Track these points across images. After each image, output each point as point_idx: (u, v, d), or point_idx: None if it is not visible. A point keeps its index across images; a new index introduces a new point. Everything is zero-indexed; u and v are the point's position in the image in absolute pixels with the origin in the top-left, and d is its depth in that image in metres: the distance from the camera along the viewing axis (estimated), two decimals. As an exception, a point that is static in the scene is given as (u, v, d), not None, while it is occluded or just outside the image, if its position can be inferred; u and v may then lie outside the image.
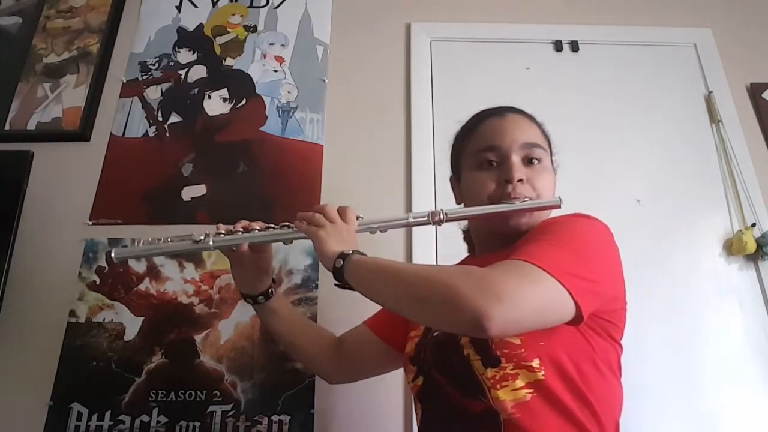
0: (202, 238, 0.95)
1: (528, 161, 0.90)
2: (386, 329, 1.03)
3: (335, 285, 0.85)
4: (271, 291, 1.06)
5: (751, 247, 1.37)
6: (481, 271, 0.71)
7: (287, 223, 0.96)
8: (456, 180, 1.01)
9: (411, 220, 0.94)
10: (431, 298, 0.72)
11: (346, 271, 0.82)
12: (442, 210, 0.91)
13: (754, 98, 1.60)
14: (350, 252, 0.83)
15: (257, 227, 0.97)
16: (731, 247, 1.40)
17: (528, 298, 0.68)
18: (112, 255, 0.96)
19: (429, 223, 0.92)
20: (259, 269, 1.03)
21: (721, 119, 1.54)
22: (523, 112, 0.96)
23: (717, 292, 1.38)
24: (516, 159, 0.88)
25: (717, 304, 1.36)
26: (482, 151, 0.91)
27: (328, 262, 0.85)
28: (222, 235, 0.96)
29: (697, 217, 1.45)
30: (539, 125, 0.96)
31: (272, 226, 0.97)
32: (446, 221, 0.91)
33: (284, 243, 0.97)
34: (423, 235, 1.38)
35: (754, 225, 1.40)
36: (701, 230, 1.44)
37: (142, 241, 0.98)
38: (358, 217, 0.94)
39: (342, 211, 0.93)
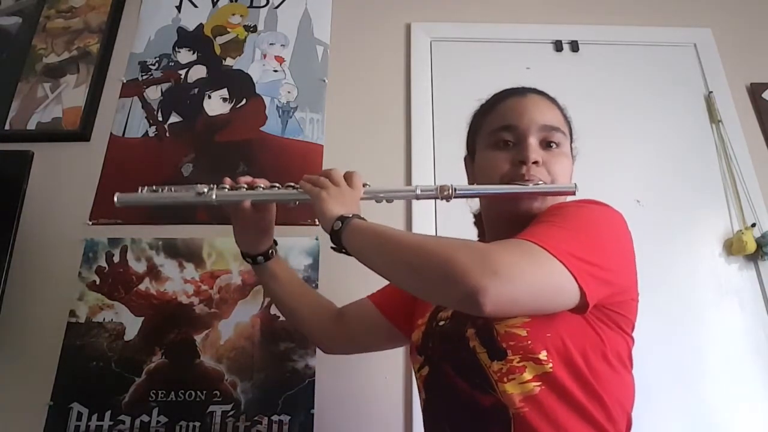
0: (205, 191, 0.93)
1: (546, 144, 0.86)
2: (390, 306, 1.01)
3: (331, 248, 0.83)
4: (272, 252, 1.04)
5: (751, 247, 1.37)
6: (480, 245, 0.69)
7: (292, 184, 0.94)
8: (470, 159, 0.97)
9: (419, 192, 0.91)
10: (427, 269, 0.69)
11: (344, 235, 0.80)
12: (451, 185, 0.89)
13: (754, 98, 1.60)
14: (350, 216, 0.82)
15: (261, 185, 0.95)
16: (731, 247, 1.40)
17: (526, 276, 0.66)
18: (116, 199, 0.95)
19: (437, 197, 0.89)
20: (260, 228, 1.01)
21: (721, 119, 1.54)
22: (545, 93, 0.93)
23: (717, 292, 1.38)
24: (533, 140, 0.85)
25: (717, 304, 1.37)
26: (499, 131, 0.87)
27: (326, 223, 0.84)
28: (225, 190, 0.95)
29: (697, 217, 1.45)
30: (561, 109, 0.93)
31: (276, 185, 0.96)
32: (455, 197, 0.88)
33: (288, 205, 0.95)
34: (422, 213, 1.38)
35: (754, 225, 1.40)
36: (701, 230, 1.44)
37: (145, 188, 0.96)
38: (365, 185, 0.93)
39: (348, 176, 0.92)
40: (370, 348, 1.12)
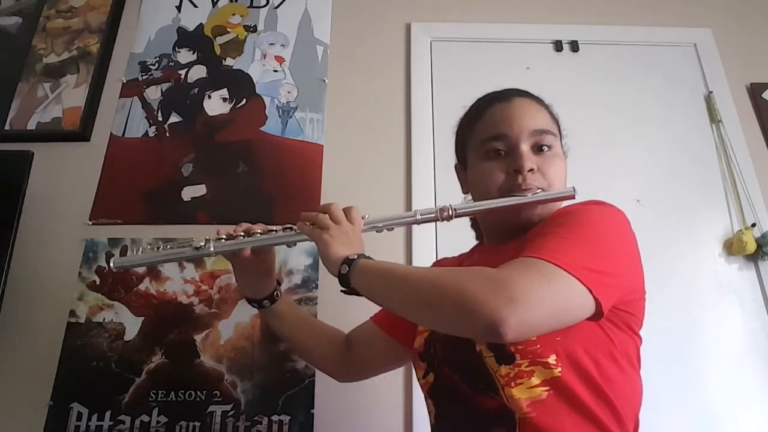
0: (203, 244, 0.92)
1: (538, 148, 0.85)
2: (393, 325, 1.01)
3: (342, 291, 0.82)
4: (277, 294, 1.04)
5: (751, 247, 1.37)
6: (493, 273, 0.67)
7: (290, 225, 0.93)
8: (462, 168, 0.97)
9: (419, 217, 0.90)
10: (442, 304, 0.68)
11: (353, 277, 0.79)
12: (450, 206, 0.88)
13: (754, 98, 1.60)
14: (356, 257, 0.80)
15: (259, 230, 0.94)
16: (731, 247, 1.40)
17: (545, 299, 0.65)
18: (112, 264, 0.95)
19: (437, 220, 0.89)
20: (262, 273, 1.01)
21: (721, 119, 1.54)
22: (530, 94, 0.92)
23: (717, 292, 1.38)
24: (525, 147, 0.84)
25: (717, 304, 1.37)
26: (489, 140, 0.86)
27: (333, 267, 0.82)
28: (223, 240, 0.94)
29: (697, 217, 1.45)
30: (547, 107, 0.92)
31: (274, 228, 0.94)
32: (455, 217, 0.88)
33: (287, 246, 0.95)
34: (423, 234, 1.38)
35: (754, 225, 1.40)
36: (701, 230, 1.44)
37: (141, 249, 0.96)
38: (363, 217, 0.91)
39: (347, 211, 0.90)
40: (382, 369, 1.11)
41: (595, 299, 0.67)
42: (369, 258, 0.81)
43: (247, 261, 0.96)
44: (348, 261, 0.80)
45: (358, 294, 0.80)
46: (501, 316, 0.62)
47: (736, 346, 1.33)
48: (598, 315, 0.69)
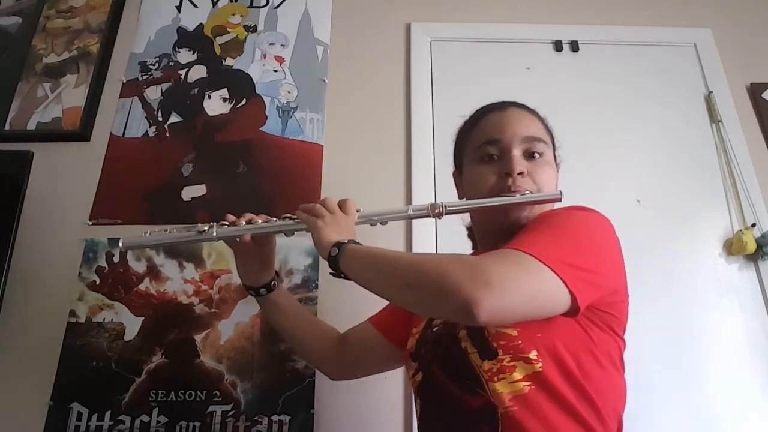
0: (206, 228, 0.98)
1: (529, 155, 0.89)
2: (390, 326, 1.03)
3: (330, 274, 0.86)
4: (274, 284, 1.07)
5: (751, 247, 1.37)
6: (472, 259, 0.71)
7: (289, 215, 0.98)
8: (458, 175, 1.01)
9: (411, 212, 0.95)
10: (421, 285, 0.72)
11: (341, 260, 0.83)
12: (441, 203, 0.91)
13: (754, 98, 1.60)
14: (346, 241, 0.84)
15: (260, 220, 0.99)
16: (731, 247, 1.40)
17: (519, 287, 0.68)
18: (121, 243, 1.01)
19: (429, 216, 0.92)
20: (262, 261, 1.05)
21: (721, 119, 1.54)
22: (525, 106, 0.96)
23: (717, 292, 1.38)
24: (517, 152, 0.88)
25: (717, 304, 1.36)
26: (483, 145, 0.91)
27: (323, 250, 0.87)
28: (226, 226, 0.99)
29: (697, 218, 1.45)
30: (542, 119, 0.96)
31: (274, 218, 0.99)
32: (446, 214, 0.91)
33: (286, 234, 0.99)
34: (423, 229, 1.38)
35: (754, 225, 1.40)
36: (701, 230, 1.44)
37: (149, 231, 1.01)
38: (358, 210, 0.96)
39: (342, 203, 0.95)
40: (375, 370, 1.13)
41: (571, 293, 0.69)
42: (359, 244, 0.85)
43: (247, 248, 1.01)
44: (338, 245, 0.84)
45: (347, 277, 0.83)
46: (475, 298, 0.65)
47: (736, 346, 1.33)
48: (574, 310, 0.71)
